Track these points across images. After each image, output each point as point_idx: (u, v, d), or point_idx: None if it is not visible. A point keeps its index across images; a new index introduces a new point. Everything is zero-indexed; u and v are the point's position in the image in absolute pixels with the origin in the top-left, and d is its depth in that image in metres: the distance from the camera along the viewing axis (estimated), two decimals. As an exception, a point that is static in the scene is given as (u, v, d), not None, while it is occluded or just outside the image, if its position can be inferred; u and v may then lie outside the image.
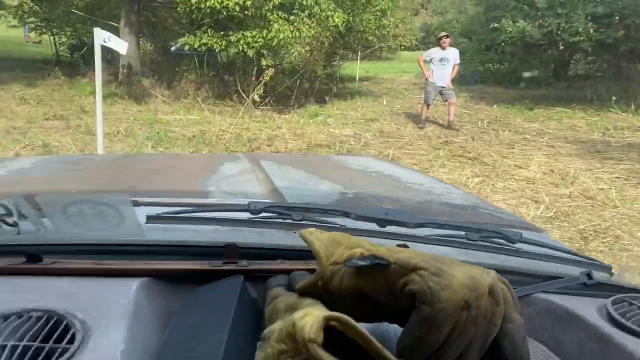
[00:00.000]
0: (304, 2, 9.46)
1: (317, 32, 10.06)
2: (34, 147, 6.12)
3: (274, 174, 1.53)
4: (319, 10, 9.67)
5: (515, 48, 15.15)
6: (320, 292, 0.62)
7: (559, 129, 9.09)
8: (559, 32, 12.00)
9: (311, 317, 0.51)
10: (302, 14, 9.67)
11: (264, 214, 0.91)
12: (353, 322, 0.51)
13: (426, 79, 8.97)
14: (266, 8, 9.18)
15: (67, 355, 0.56)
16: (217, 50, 10.14)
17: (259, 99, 9.94)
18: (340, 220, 0.93)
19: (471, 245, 0.90)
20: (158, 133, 7.42)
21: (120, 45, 4.18)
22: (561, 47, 13.61)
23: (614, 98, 10.26)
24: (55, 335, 0.59)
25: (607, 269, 0.92)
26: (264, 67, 9.91)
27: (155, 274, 0.76)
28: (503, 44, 14.69)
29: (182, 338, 0.63)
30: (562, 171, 5.92)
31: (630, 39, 11.48)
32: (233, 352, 0.58)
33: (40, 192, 1.20)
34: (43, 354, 0.56)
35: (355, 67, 18.78)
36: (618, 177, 5.77)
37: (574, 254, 0.94)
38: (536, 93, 14.74)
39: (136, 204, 0.85)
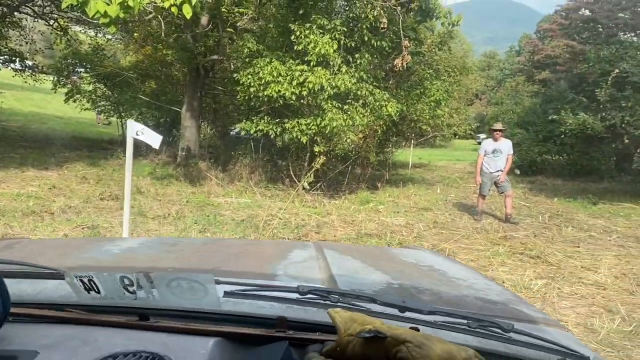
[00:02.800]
0: (359, 92, 9.63)
1: (370, 121, 10.14)
2: (84, 227, 6.20)
3: (333, 263, 1.78)
4: (373, 100, 9.81)
5: (576, 140, 14.73)
6: (338, 356, 0.83)
7: (627, 226, 8.47)
8: (622, 125, 11.56)
9: None
10: (356, 103, 9.81)
11: (309, 295, 1.14)
12: None
13: (481, 169, 8.72)
14: (321, 97, 9.38)
15: None
16: (272, 136, 10.36)
17: (308, 186, 9.95)
18: (368, 305, 1.11)
19: (470, 332, 1.06)
20: (208, 217, 7.43)
21: (154, 139, 4.16)
22: (626, 141, 13.06)
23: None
24: None
25: (585, 359, 1.06)
26: (316, 153, 10.00)
27: (225, 336, 0.99)
28: (563, 135, 14.33)
29: None
30: (636, 276, 5.39)
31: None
32: None
33: (150, 268, 1.57)
34: None
35: (408, 154, 18.80)
36: (701, 285, 5.17)
37: (558, 345, 1.08)
38: (599, 186, 14.13)
39: (217, 282, 1.10)
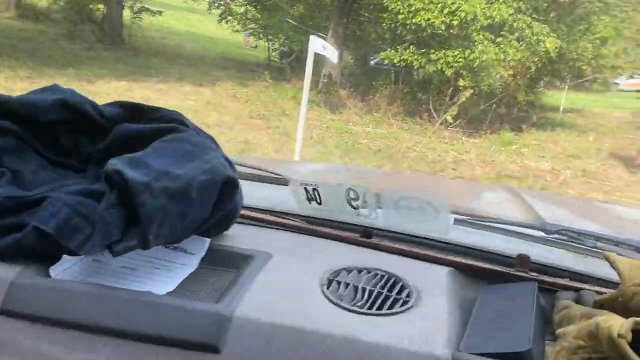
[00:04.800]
0: (515, 25, 8.96)
1: (524, 56, 9.44)
2: (236, 141, 6.71)
3: (539, 209, 1.54)
4: (530, 33, 9.08)
5: None
6: (618, 308, 0.70)
7: None
8: None
9: (618, 320, 0.58)
10: (510, 36, 9.16)
11: (556, 235, 1.03)
12: None
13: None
14: (472, 28, 8.89)
15: (407, 305, 0.77)
16: (415, 67, 10.12)
17: (452, 120, 9.66)
18: (634, 255, 0.96)
19: None
20: (346, 143, 7.62)
21: (333, 54, 4.32)
22: None
23: None
24: (396, 289, 0.81)
25: None
26: (460, 88, 9.61)
27: (458, 267, 0.92)
28: None
29: (490, 318, 0.77)
30: None
31: None
32: (535, 339, 0.68)
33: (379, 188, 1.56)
34: (390, 300, 0.78)
35: (561, 97, 17.30)
36: None
37: None
38: None
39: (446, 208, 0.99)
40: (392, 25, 9.97)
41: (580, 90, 26.19)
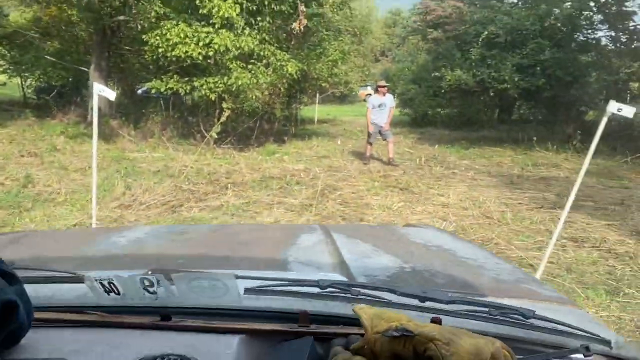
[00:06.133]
0: (262, 53, 10.58)
1: (273, 79, 11.13)
2: (14, 179, 6.85)
3: (343, 247, 1.82)
4: (275, 60, 10.79)
5: (455, 94, 16.66)
6: (367, 352, 0.82)
7: (485, 165, 10.33)
8: (489, 81, 13.53)
9: None
10: (259, 63, 10.76)
11: (329, 289, 1.14)
12: None
13: (368, 122, 10.20)
14: (227, 57, 10.23)
15: None
16: (182, 94, 11.08)
17: (216, 136, 10.88)
18: (388, 296, 1.12)
19: (492, 320, 1.06)
20: (126, 168, 8.22)
21: (111, 94, 5.06)
22: (492, 94, 15.08)
23: (534, 139, 11.88)
24: None
25: (607, 342, 1.07)
26: (224, 109, 10.89)
27: (249, 333, 1.00)
28: (443, 91, 16.20)
29: None
30: (474, 198, 6.98)
31: (552, 87, 13.05)
32: None
33: (161, 258, 1.68)
34: None
35: (317, 110, 20.08)
36: (520, 203, 6.86)
37: (580, 330, 1.08)
38: (479, 135, 16.11)
39: (237, 277, 1.07)
40: (154, 57, 10.77)
41: (335, 102, 30.25)
